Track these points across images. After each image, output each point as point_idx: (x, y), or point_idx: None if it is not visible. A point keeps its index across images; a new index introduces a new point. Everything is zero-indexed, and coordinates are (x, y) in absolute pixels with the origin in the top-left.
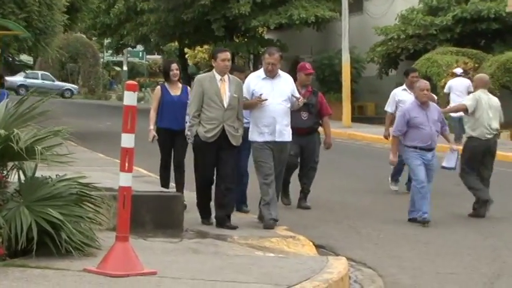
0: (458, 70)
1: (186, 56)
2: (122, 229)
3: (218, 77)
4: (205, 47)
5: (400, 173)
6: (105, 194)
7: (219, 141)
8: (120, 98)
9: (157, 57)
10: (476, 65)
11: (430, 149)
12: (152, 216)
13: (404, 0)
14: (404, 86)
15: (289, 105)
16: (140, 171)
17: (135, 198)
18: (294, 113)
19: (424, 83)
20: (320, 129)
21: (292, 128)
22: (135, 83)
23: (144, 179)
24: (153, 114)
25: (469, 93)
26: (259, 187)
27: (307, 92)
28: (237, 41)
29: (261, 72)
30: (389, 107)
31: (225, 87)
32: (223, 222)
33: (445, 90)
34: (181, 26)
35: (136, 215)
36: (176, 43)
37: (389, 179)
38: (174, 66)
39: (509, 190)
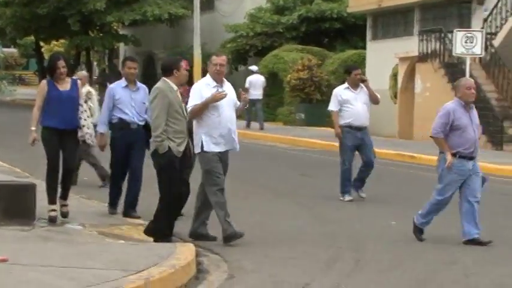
0: (254, 68)
1: (42, 49)
2: None
3: (175, 87)
4: (62, 41)
5: (349, 183)
6: None
7: (182, 155)
8: None
9: (13, 50)
10: (320, 62)
11: (471, 158)
12: (4, 205)
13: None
14: (346, 85)
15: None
16: None
17: None
18: None
19: (470, 81)
20: None
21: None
22: None
23: None
24: (36, 113)
25: (263, 88)
26: (197, 200)
27: (185, 91)
28: (93, 35)
29: (208, 79)
30: (333, 106)
31: (179, 97)
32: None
33: (246, 85)
34: (37, 20)
35: None
36: (32, 37)
37: (340, 191)
38: (61, 63)
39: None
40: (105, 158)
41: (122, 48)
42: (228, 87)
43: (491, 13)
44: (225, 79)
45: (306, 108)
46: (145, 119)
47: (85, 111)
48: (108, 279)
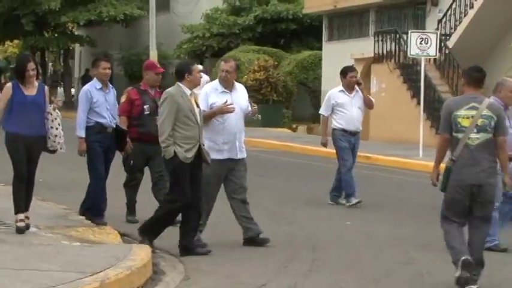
0: (200, 67)
1: None
2: None
3: (188, 91)
4: (16, 41)
5: (354, 184)
6: None
7: (194, 161)
8: None
9: None
10: (276, 63)
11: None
12: None
13: (209, 0)
14: (341, 87)
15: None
16: None
17: None
18: (148, 118)
19: None
20: None
21: (145, 135)
22: None
23: None
24: None
25: None
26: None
27: (157, 93)
28: (47, 36)
29: (216, 84)
30: (324, 110)
31: (193, 102)
32: (193, 246)
33: None
34: None
35: None
36: None
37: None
38: (31, 66)
39: (305, 179)
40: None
41: (78, 49)
42: (239, 92)
43: (445, 14)
44: (236, 83)
45: (262, 109)
46: (116, 122)
47: (55, 119)
48: (64, 281)
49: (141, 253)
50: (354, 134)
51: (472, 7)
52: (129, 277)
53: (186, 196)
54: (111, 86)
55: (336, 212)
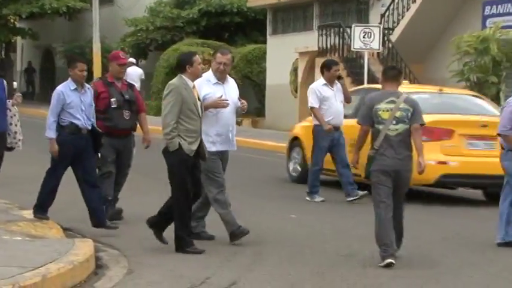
0: (133, 60)
1: None
2: None
3: (191, 83)
4: None
5: (319, 184)
6: None
7: (196, 154)
8: None
9: None
10: None
11: None
12: None
13: None
14: (323, 81)
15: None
16: None
17: None
18: (115, 111)
19: None
20: None
21: (113, 129)
22: None
23: None
24: None
25: (141, 80)
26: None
27: (124, 86)
28: None
29: (209, 75)
30: (315, 103)
31: (195, 94)
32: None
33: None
34: None
35: None
36: None
37: (308, 192)
38: None
39: (249, 173)
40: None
41: (20, 41)
42: (230, 85)
43: (388, 8)
44: (228, 76)
45: None
46: (92, 123)
47: (14, 115)
48: (4, 276)
49: (84, 247)
50: (337, 128)
51: (414, 1)
52: (71, 271)
53: (188, 190)
54: (87, 86)
55: (280, 205)
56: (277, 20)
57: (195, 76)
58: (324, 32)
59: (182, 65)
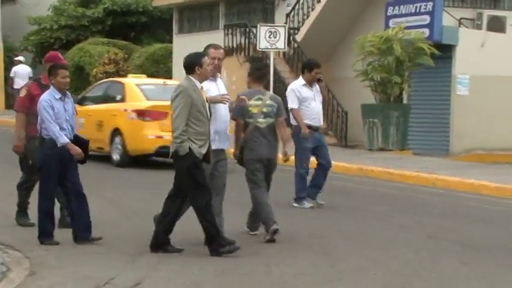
0: (22, 58)
1: None
2: None
3: (199, 85)
4: None
5: (305, 190)
6: None
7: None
8: None
9: None
10: (126, 56)
11: None
12: None
13: None
14: (303, 81)
15: None
16: None
17: None
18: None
19: None
20: None
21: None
22: None
23: None
24: None
25: (29, 78)
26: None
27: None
28: None
29: None
30: (294, 104)
31: (204, 96)
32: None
33: (11, 75)
34: None
35: None
36: None
37: (296, 199)
38: None
39: (161, 171)
40: None
41: None
42: (220, 82)
43: (293, 8)
44: (219, 74)
45: None
46: (75, 132)
47: None
48: None
49: None
50: (317, 129)
51: (319, 1)
52: None
53: (206, 191)
54: (69, 94)
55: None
56: (183, 19)
57: (204, 77)
58: (230, 31)
59: (191, 66)
